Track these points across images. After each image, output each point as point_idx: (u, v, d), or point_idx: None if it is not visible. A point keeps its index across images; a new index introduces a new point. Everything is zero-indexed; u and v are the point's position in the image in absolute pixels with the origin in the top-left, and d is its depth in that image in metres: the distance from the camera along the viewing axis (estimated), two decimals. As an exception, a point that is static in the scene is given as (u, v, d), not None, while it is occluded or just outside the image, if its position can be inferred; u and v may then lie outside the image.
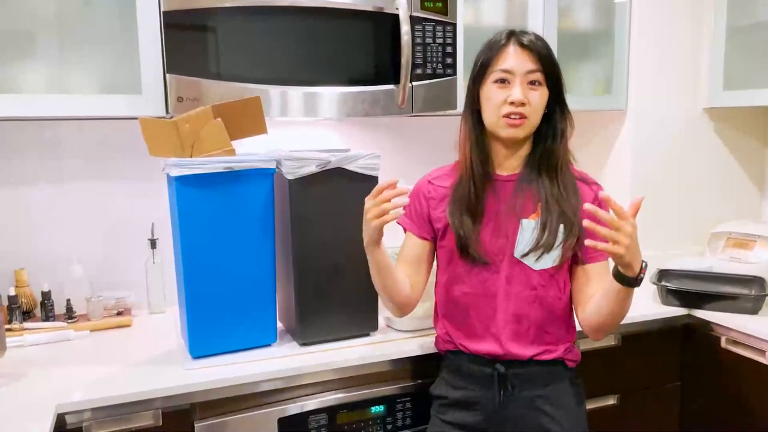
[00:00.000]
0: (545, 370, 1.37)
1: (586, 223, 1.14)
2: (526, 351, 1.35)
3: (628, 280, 1.19)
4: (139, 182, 1.84)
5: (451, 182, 1.41)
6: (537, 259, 1.33)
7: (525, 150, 1.38)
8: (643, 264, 1.19)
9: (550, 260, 1.33)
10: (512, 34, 1.33)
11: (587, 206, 1.15)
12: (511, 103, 1.30)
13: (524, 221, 1.34)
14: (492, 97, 1.32)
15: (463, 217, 1.35)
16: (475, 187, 1.35)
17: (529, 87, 1.31)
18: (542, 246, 1.32)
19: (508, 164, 1.39)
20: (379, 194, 1.25)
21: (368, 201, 1.27)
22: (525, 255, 1.33)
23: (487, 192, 1.37)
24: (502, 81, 1.31)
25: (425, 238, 1.43)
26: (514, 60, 1.31)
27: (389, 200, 1.24)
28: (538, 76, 1.31)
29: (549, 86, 1.33)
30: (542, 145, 1.37)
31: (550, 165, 1.35)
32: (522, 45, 1.31)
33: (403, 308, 1.43)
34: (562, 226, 1.32)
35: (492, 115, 1.33)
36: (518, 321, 1.35)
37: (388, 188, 1.24)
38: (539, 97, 1.32)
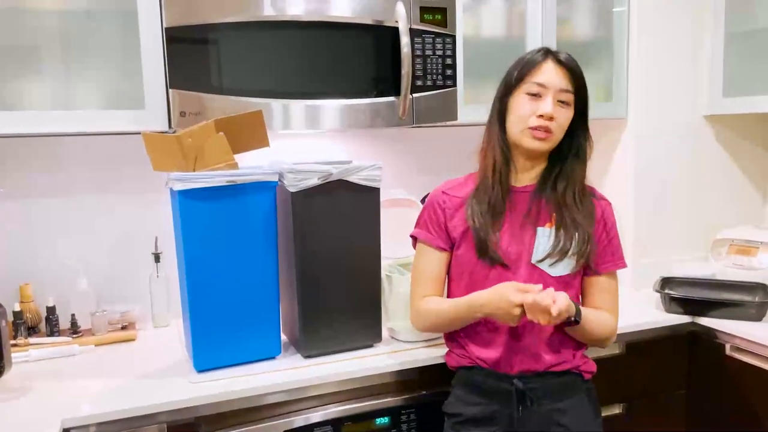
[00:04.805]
0: (562, 382, 1.37)
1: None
2: (542, 356, 1.35)
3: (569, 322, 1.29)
4: (143, 196, 1.85)
5: (465, 192, 1.42)
6: (553, 264, 1.35)
7: (542, 163, 1.41)
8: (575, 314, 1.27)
9: (566, 268, 1.36)
10: (549, 52, 1.36)
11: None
12: (540, 116, 1.32)
13: (540, 229, 1.37)
14: (521, 108, 1.35)
15: (484, 220, 1.37)
16: (498, 194, 1.37)
17: (559, 104, 1.34)
18: (558, 252, 1.34)
19: (526, 176, 1.41)
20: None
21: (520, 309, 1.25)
22: (541, 260, 1.35)
23: (505, 201, 1.39)
24: (534, 94, 1.34)
25: (444, 249, 1.43)
26: (550, 75, 1.33)
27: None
28: (569, 96, 1.35)
29: (576, 107, 1.36)
30: (562, 162, 1.39)
31: (569, 183, 1.38)
32: (559, 62, 1.34)
33: None
34: (576, 235, 1.34)
35: (518, 125, 1.35)
36: (534, 326, 1.35)
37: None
38: (565, 115, 1.35)
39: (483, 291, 1.31)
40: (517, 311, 1.24)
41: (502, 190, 1.38)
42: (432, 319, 1.42)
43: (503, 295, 1.26)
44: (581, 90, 1.36)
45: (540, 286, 1.25)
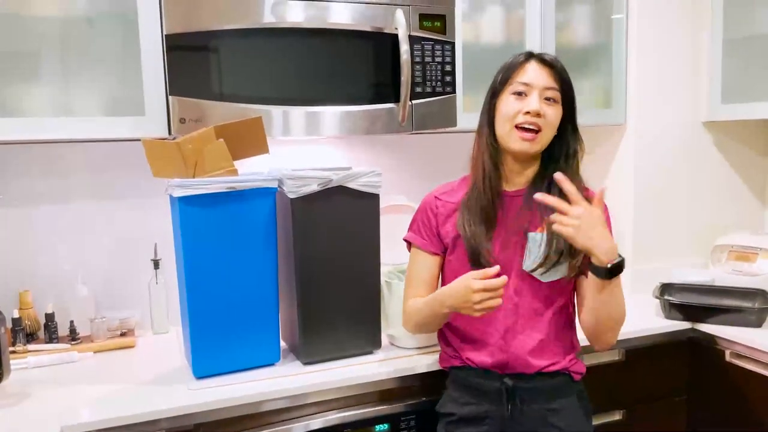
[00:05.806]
0: (552, 383, 1.37)
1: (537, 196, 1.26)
2: (532, 363, 1.35)
3: (598, 270, 1.24)
4: (142, 202, 1.85)
5: (458, 198, 1.42)
6: (545, 272, 1.35)
7: (534, 167, 1.41)
8: (617, 259, 1.24)
9: (558, 273, 1.35)
10: (532, 54, 1.37)
11: (536, 196, 1.25)
12: (527, 113, 1.32)
13: (530, 234, 1.36)
14: (507, 107, 1.35)
15: (475, 228, 1.36)
16: (489, 199, 1.37)
17: (545, 102, 1.34)
18: (549, 262, 1.33)
19: (517, 180, 1.41)
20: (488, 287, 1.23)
21: (478, 294, 1.23)
22: (533, 270, 1.35)
23: (496, 206, 1.38)
24: (520, 93, 1.34)
25: (436, 254, 1.44)
26: (533, 74, 1.34)
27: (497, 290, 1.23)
28: (555, 93, 1.35)
29: (563, 106, 1.37)
30: (554, 164, 1.38)
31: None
32: (543, 62, 1.35)
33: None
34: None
35: (505, 125, 1.35)
36: (525, 332, 1.36)
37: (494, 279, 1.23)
38: (554, 113, 1.35)
39: (448, 284, 1.31)
40: (476, 297, 1.23)
41: (493, 196, 1.37)
42: (414, 319, 1.43)
43: (461, 283, 1.25)
44: (567, 88, 1.37)
45: (497, 267, 1.24)
